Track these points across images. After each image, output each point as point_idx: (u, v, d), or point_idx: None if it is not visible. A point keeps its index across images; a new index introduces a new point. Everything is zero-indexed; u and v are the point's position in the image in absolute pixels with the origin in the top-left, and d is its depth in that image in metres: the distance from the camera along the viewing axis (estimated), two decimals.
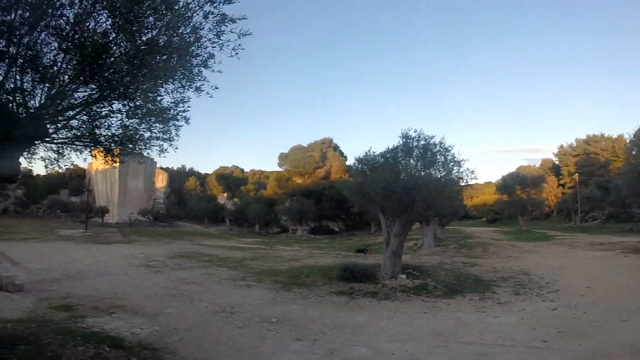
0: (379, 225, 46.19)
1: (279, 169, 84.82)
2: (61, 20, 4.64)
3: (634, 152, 29.32)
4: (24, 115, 5.11)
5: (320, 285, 14.37)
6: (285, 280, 15.70)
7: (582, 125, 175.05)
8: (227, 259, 24.04)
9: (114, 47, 4.84)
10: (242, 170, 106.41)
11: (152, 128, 6.28)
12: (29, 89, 5.15)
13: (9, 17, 4.32)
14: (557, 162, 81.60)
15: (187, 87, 5.71)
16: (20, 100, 5.04)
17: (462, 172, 14.76)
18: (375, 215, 35.79)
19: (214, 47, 5.23)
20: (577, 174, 65.34)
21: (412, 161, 14.77)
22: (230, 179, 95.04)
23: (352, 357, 7.92)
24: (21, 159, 5.93)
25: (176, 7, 4.84)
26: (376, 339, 8.90)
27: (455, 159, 14.64)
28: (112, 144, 6.62)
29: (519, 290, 13.38)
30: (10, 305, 10.92)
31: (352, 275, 14.23)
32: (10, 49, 4.50)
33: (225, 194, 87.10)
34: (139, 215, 63.91)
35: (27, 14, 4.36)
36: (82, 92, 5.43)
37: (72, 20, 4.58)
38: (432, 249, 27.66)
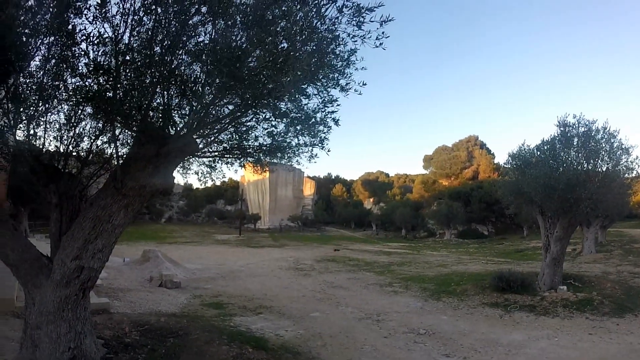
0: (532, 228, 43.09)
1: (425, 172, 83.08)
2: (197, 42, 4.80)
3: None
4: (172, 132, 5.40)
5: (471, 294, 13.40)
6: (433, 288, 15.01)
7: None
8: (373, 264, 23.96)
9: (250, 57, 4.84)
10: (387, 174, 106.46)
11: (299, 134, 6.17)
12: (175, 107, 5.42)
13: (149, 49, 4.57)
14: None
15: (332, 87, 5.51)
16: (168, 118, 5.31)
17: (631, 161, 12.58)
18: (528, 217, 32.87)
19: (355, 41, 4.95)
20: None
21: (572, 152, 12.92)
22: (376, 184, 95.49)
23: None
24: (175, 173, 6.32)
25: (309, 2, 4.69)
26: None
27: (623, 146, 12.50)
28: (261, 155, 6.74)
29: None
30: (167, 300, 12.06)
31: (507, 285, 12.97)
32: (154, 72, 4.74)
33: (371, 199, 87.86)
34: (288, 221, 68.10)
35: (166, 40, 4.57)
36: (227, 104, 5.57)
37: (207, 42, 4.70)
38: (593, 255, 24.31)
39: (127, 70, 4.60)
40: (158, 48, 4.60)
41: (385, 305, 12.51)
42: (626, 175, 13.15)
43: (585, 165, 12.67)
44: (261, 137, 6.37)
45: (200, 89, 5.14)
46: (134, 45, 4.50)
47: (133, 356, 5.46)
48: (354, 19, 4.72)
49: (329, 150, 6.46)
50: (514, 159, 14.46)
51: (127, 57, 4.50)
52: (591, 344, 8.86)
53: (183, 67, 5.05)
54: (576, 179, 12.22)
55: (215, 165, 7.36)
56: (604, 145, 12.55)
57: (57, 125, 5.66)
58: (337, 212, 78.88)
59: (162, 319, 7.86)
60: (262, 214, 68.96)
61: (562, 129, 13.03)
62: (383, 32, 4.78)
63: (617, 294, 12.47)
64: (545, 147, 13.36)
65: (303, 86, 5.37)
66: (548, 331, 9.85)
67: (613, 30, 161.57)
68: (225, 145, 6.69)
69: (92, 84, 4.66)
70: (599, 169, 12.64)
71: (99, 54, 4.47)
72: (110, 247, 5.28)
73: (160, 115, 5.32)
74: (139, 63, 4.58)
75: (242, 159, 7.05)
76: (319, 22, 4.79)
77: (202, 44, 4.75)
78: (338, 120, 5.93)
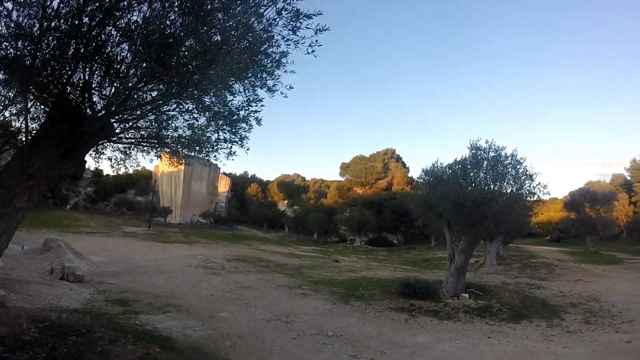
0: (439, 240, 45.61)
1: (340, 179, 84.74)
2: (129, 20, 4.56)
3: None
4: (90, 112, 5.07)
5: (379, 299, 13.86)
6: (342, 292, 15.32)
7: None
8: (284, 266, 23.99)
9: (182, 45, 4.68)
10: (303, 178, 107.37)
11: (220, 129, 6.11)
12: (96, 86, 5.09)
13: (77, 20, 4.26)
14: (629, 178, 71.15)
15: (259, 87, 5.47)
16: (87, 96, 4.98)
17: (533, 186, 13.91)
18: (436, 229, 34.74)
19: (288, 44, 4.98)
20: None
21: (481, 174, 14.00)
22: (291, 187, 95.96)
23: None
24: (87, 157, 5.92)
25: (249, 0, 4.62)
26: None
27: (528, 172, 13.83)
28: (179, 146, 6.55)
29: (589, 318, 12.30)
30: (69, 294, 11.27)
31: (413, 292, 13.60)
32: (79, 45, 4.42)
33: (285, 201, 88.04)
34: (200, 217, 65.78)
35: (97, 13, 4.29)
36: (150, 90, 5.33)
37: (140, 22, 4.48)
38: (494, 267, 26.33)
39: (51, 39, 4.25)
40: (87, 19, 4.31)
41: (294, 307, 12.58)
42: (528, 198, 14.49)
43: (492, 187, 13.81)
44: (181, 128, 6.28)
45: (125, 70, 4.89)
46: (62, 12, 4.16)
47: (32, 355, 4.98)
48: (291, 23, 4.79)
49: (248, 149, 6.49)
50: (427, 175, 15.32)
51: (53, 24, 4.15)
52: (490, 347, 9.51)
53: (110, 45, 4.77)
54: (483, 198, 13.19)
55: (131, 153, 7.12)
56: (510, 170, 13.83)
57: None
58: (250, 212, 78.14)
59: (64, 315, 7.26)
60: (174, 207, 66.11)
61: (473, 151, 14.09)
62: (317, 40, 4.93)
63: (515, 302, 13.53)
64: (457, 167, 14.33)
65: (230, 82, 5.32)
66: (450, 334, 10.44)
67: (538, 56, 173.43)
68: (143, 132, 6.50)
69: (9, 48, 4.24)
70: (505, 191, 13.87)
71: (24, 15, 4.07)
72: (11, 233, 4.84)
73: (79, 92, 4.98)
74: (64, 32, 4.26)
75: (159, 149, 6.89)
76: (256, 21, 4.78)
77: (134, 24, 4.52)
78: (260, 120, 6.00)
